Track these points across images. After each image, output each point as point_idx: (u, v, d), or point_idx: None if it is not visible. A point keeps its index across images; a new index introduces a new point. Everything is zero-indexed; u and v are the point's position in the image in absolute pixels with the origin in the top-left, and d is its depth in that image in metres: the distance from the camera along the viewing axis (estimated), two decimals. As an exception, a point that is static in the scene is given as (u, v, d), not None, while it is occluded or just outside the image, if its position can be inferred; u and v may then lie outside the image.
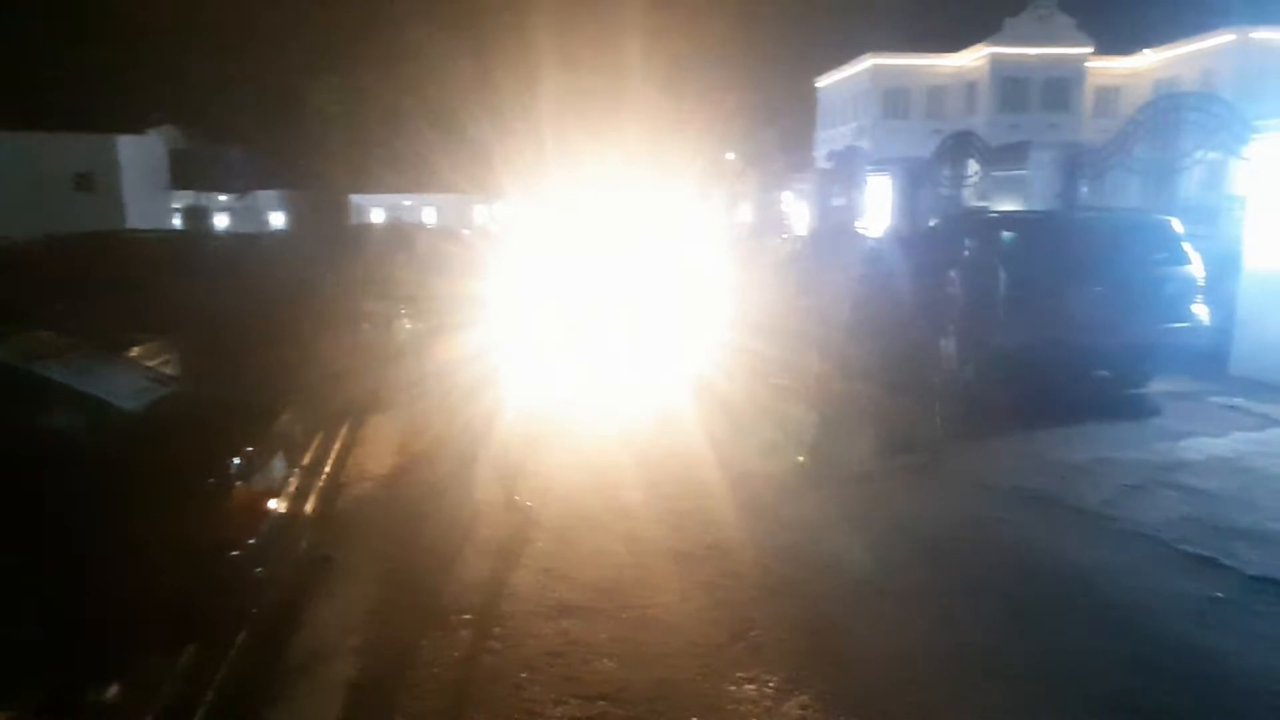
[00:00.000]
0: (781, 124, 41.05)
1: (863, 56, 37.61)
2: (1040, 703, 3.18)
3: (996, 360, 7.19)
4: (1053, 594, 4.06)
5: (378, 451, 6.33)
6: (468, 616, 3.84)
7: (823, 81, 43.06)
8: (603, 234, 11.56)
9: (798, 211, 22.03)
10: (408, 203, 39.78)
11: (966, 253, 8.00)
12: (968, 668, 3.40)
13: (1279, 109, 9.83)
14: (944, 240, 8.69)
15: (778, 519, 4.98)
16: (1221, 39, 30.03)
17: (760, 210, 22.64)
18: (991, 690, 3.25)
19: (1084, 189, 12.39)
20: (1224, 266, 8.14)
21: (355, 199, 26.58)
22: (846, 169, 18.63)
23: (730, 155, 32.15)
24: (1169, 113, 9.74)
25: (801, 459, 5.89)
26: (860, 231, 10.63)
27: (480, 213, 38.84)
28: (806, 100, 45.06)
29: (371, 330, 8.85)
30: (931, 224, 11.35)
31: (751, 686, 3.28)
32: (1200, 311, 7.54)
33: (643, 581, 4.18)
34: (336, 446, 6.27)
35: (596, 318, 9.14)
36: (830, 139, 39.18)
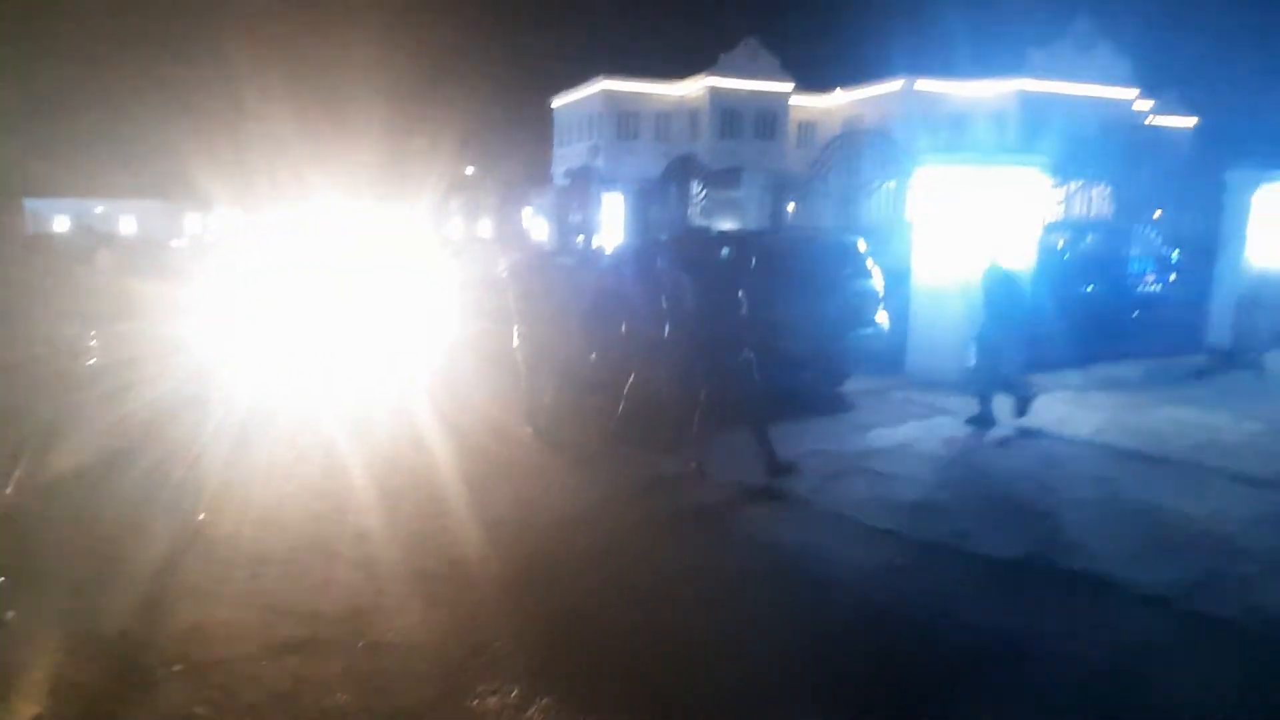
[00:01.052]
0: (521, 141, 41.52)
1: (595, 80, 39.09)
2: (731, 664, 3.53)
3: (718, 368, 7.79)
4: (763, 570, 4.51)
5: (56, 490, 5.51)
6: (178, 668, 3.47)
7: (558, 102, 44.14)
8: (328, 248, 10.99)
9: (538, 226, 22.37)
10: (99, 209, 35.03)
11: (691, 268, 8.60)
12: (689, 645, 3.68)
13: (936, 146, 11.72)
14: (671, 255, 9.28)
15: (523, 529, 5.04)
16: (893, 85, 34.97)
17: (499, 225, 22.69)
18: (696, 657, 3.59)
19: (790, 210, 13.85)
20: (898, 280, 9.46)
21: (32, 204, 22.87)
22: (582, 187, 19.26)
23: (470, 170, 31.90)
24: (852, 146, 11.25)
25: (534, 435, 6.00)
26: (566, 258, 11.03)
27: (194, 222, 35.17)
28: (545, 119, 45.95)
29: (50, 357, 7.68)
30: (653, 241, 12.06)
31: (494, 698, 3.29)
32: (882, 319, 8.72)
33: (379, 607, 4.03)
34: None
35: (315, 336, 8.69)
36: (566, 157, 40.25)
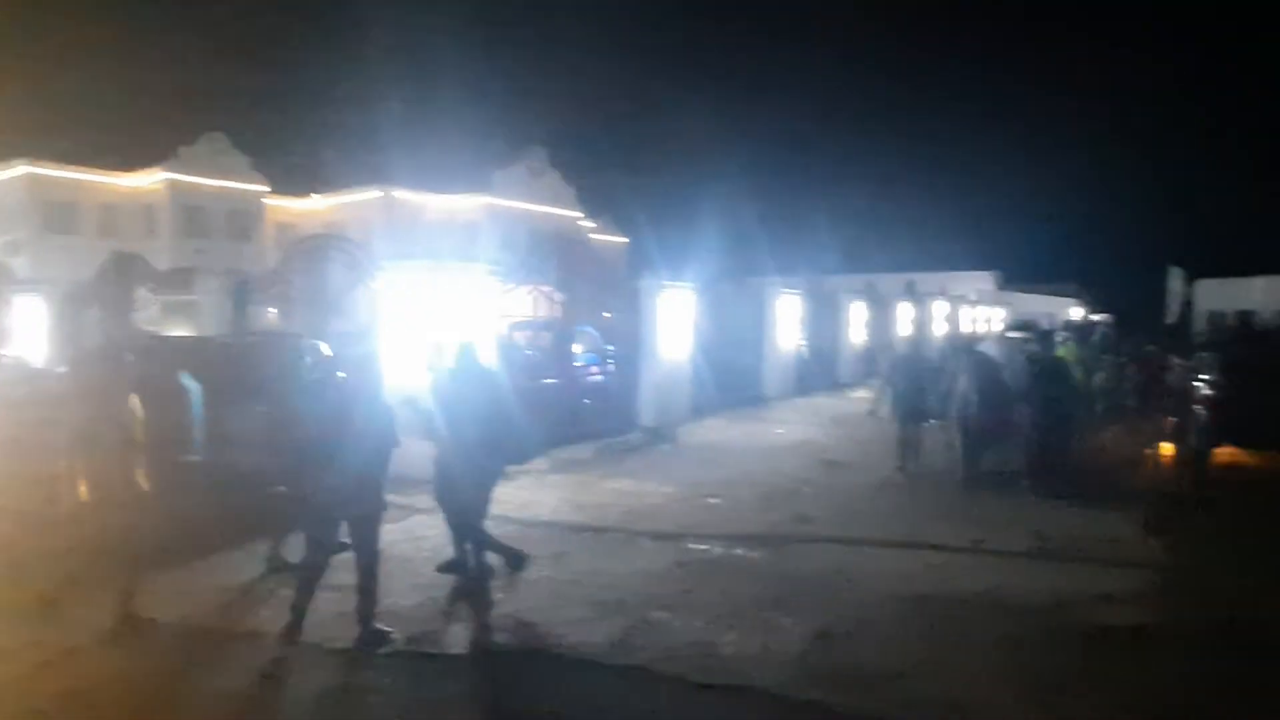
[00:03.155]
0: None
1: (14, 162, 32.59)
2: None
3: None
4: None
5: None
6: None
7: (-41, 185, 35.63)
8: None
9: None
10: None
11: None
12: None
13: (410, 251, 12.14)
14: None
15: None
16: (373, 194, 35.81)
17: None
18: None
19: (259, 313, 12.97)
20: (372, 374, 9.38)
21: None
22: (-14, 288, 15.53)
23: None
24: (316, 250, 11.08)
25: None
26: None
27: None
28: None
29: None
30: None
31: None
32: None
33: None
34: None
35: None
36: (-27, 252, 32.44)
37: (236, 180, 35.89)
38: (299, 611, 4.84)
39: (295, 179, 37.72)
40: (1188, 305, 38.81)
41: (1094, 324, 25.45)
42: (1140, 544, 6.83)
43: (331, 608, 5.07)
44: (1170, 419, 11.91)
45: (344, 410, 4.97)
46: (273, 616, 5.21)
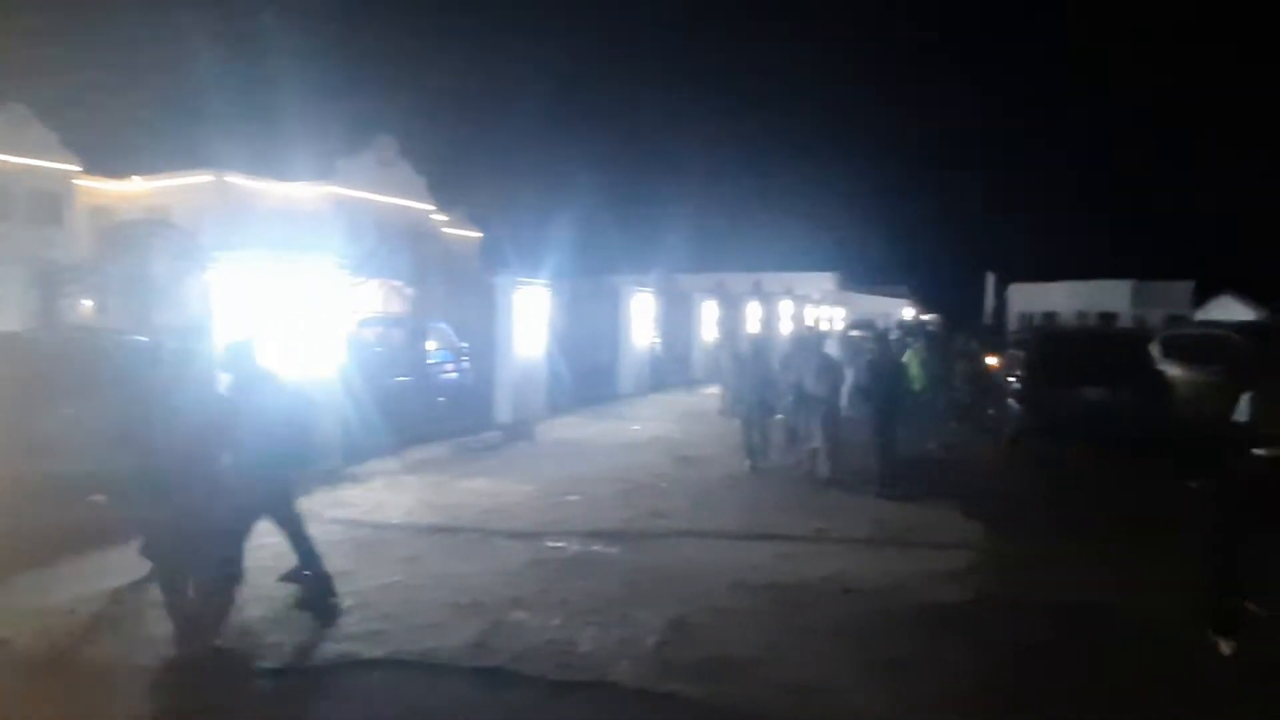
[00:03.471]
0: None
1: None
2: None
3: None
4: None
5: None
6: None
7: None
8: None
9: None
10: None
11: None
12: None
13: (246, 241, 11.33)
14: None
15: None
16: (204, 177, 33.29)
17: None
18: None
19: (71, 306, 11.75)
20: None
21: None
22: None
23: None
24: (137, 237, 10.15)
25: None
26: None
27: None
28: None
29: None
30: None
31: None
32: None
33: None
34: None
35: None
36: None
37: (42, 158, 32.42)
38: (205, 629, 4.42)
39: (112, 158, 34.45)
40: (1002, 306, 42.56)
41: (924, 323, 27.38)
42: (966, 528, 7.41)
43: (165, 624, 4.68)
44: (990, 412, 13.00)
45: (173, 412, 4.57)
46: (88, 639, 4.76)
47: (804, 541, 6.97)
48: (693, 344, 21.41)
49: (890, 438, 9.11)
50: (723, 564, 6.29)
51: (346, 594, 5.50)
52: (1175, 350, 12.18)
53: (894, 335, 13.72)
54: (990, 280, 38.94)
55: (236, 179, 33.34)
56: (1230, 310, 39.62)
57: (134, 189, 35.68)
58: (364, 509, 7.84)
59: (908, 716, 4.09)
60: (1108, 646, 4.83)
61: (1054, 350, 12.25)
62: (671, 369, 19.95)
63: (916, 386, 10.99)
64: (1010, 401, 11.77)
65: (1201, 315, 40.56)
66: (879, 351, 9.94)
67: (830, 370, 9.64)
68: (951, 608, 5.43)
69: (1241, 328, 13.59)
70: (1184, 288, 49.06)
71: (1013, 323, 44.52)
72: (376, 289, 13.52)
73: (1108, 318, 46.50)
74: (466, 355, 14.13)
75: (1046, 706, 4.18)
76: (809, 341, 10.73)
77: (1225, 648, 4.63)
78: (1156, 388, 11.05)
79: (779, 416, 10.17)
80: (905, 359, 11.14)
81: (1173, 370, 11.72)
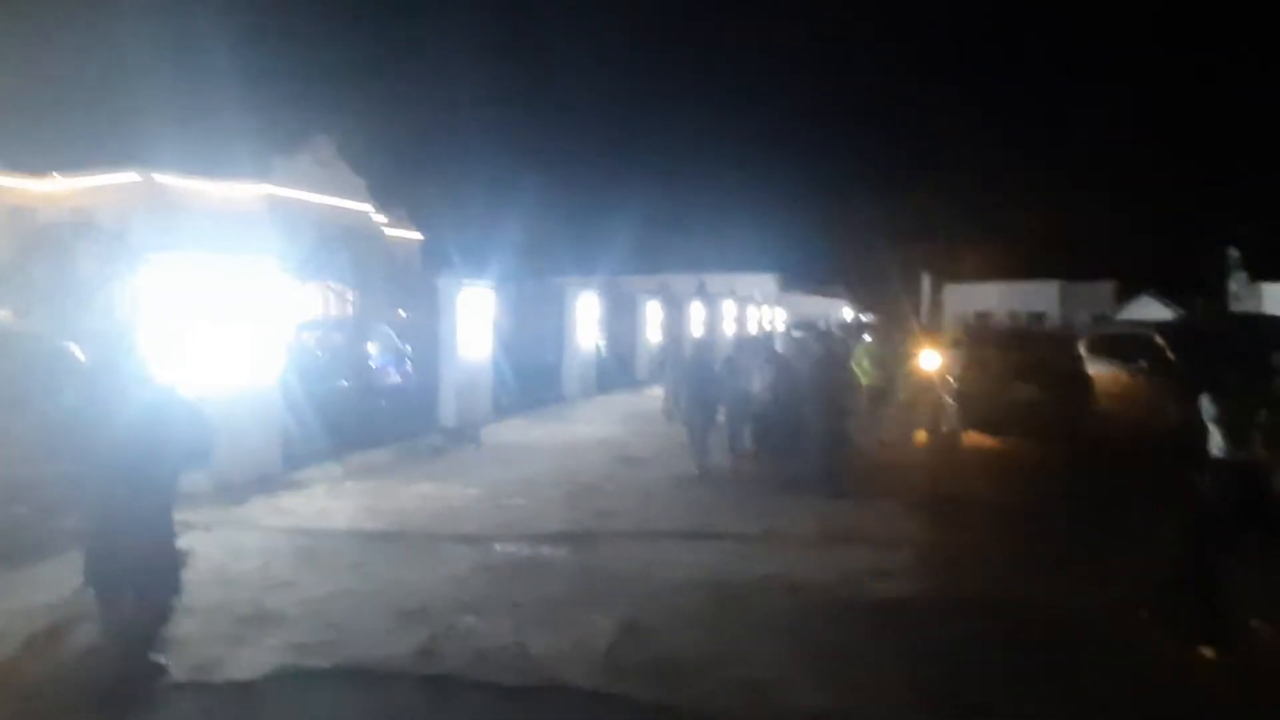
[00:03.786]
0: None
1: None
2: None
3: None
4: None
5: None
6: None
7: None
8: None
9: None
10: None
11: None
12: None
13: (177, 242, 10.97)
14: None
15: None
16: (131, 176, 32.11)
17: None
18: None
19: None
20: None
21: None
22: None
23: None
24: (60, 239, 9.75)
25: None
26: None
27: None
28: None
29: None
30: None
31: None
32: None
33: None
34: None
35: None
36: None
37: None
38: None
39: (31, 155, 32.94)
40: (938, 306, 43.73)
41: (864, 324, 27.97)
42: (907, 525, 7.60)
43: (102, 639, 4.51)
44: (928, 410, 13.33)
45: (101, 420, 4.39)
46: (21, 657, 4.57)
47: (751, 541, 7.06)
48: (637, 345, 21.48)
49: (839, 437, 9.25)
50: (672, 564, 6.34)
51: (291, 604, 5.38)
52: (1101, 348, 12.68)
53: (837, 335, 14.02)
54: (926, 281, 39.97)
55: (166, 178, 32.25)
56: (1150, 309, 41.37)
57: (55, 188, 34.23)
58: (305, 516, 7.68)
59: (856, 709, 4.18)
60: (1044, 641, 5.02)
61: (987, 349, 12.64)
62: (616, 370, 19.98)
63: (865, 382, 11.25)
64: (947, 399, 12.11)
65: (1124, 315, 42.25)
66: (825, 350, 10.13)
67: (780, 373, 9.77)
68: (894, 602, 5.57)
69: (1161, 327, 14.22)
70: (1107, 288, 51.05)
71: (948, 322, 45.73)
72: (316, 292, 13.27)
73: (1037, 317, 48.12)
74: (409, 358, 13.95)
75: (985, 696, 4.32)
76: (756, 343, 10.88)
77: (1208, 653, 4.67)
78: (1083, 385, 11.50)
79: (720, 420, 10.23)
80: (854, 357, 11.40)
81: (1099, 367, 12.21)
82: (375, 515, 7.77)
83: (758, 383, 9.48)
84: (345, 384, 12.78)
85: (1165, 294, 45.30)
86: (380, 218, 40.01)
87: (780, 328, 29.97)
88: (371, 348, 13.32)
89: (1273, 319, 13.52)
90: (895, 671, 4.55)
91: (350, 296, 14.07)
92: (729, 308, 27.65)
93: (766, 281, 43.80)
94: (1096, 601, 5.54)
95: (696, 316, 24.65)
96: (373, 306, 13.90)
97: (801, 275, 50.90)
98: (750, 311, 29.86)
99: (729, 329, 25.78)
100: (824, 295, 50.05)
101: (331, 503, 8.25)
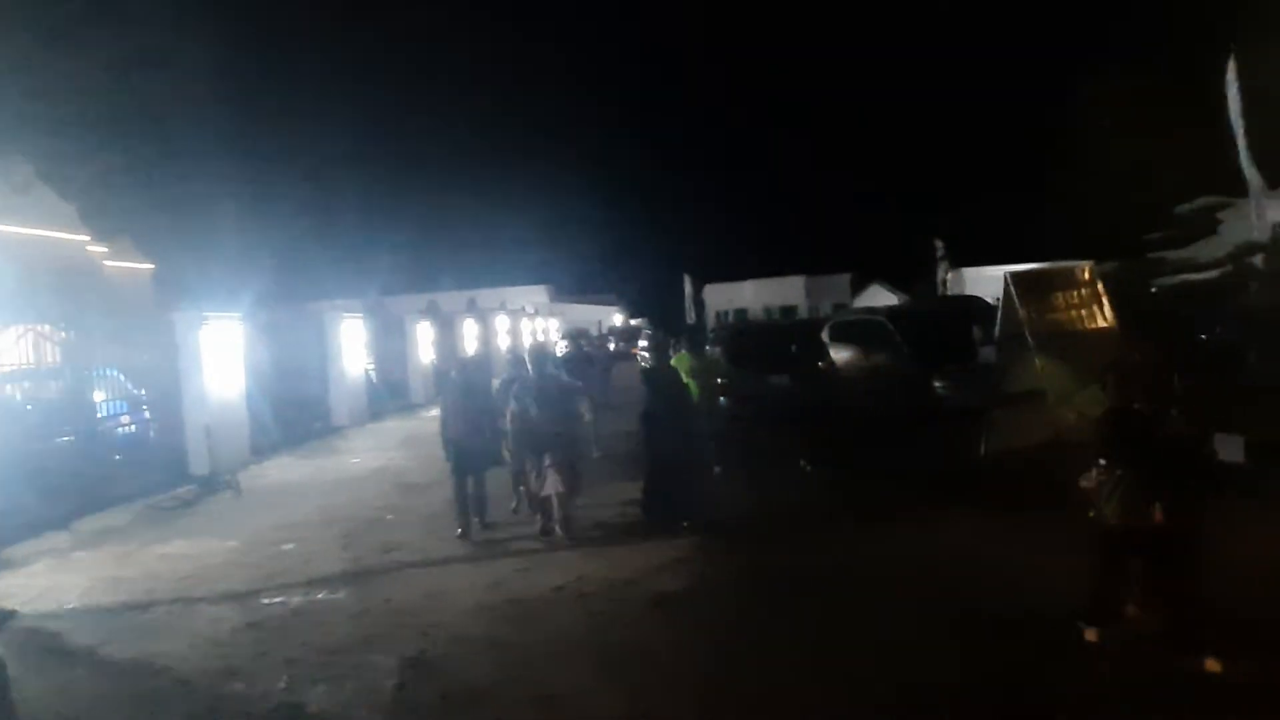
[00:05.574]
0: None
1: None
2: None
3: None
4: None
5: None
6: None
7: None
8: None
9: None
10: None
11: None
12: None
13: None
14: None
15: None
16: None
17: None
18: None
19: None
20: None
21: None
22: None
23: None
24: None
25: None
26: None
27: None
28: None
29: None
30: None
31: None
32: None
33: None
34: None
35: None
36: None
37: None
38: None
39: None
40: (701, 306, 46.15)
41: (636, 328, 28.85)
42: (693, 523, 7.87)
43: None
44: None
45: None
46: None
47: (542, 552, 7.05)
48: (409, 368, 20.74)
49: (668, 460, 7.74)
50: (461, 587, 6.18)
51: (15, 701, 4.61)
52: (840, 335, 13.95)
53: (662, 346, 10.66)
54: (688, 282, 42.04)
55: None
56: (880, 297, 46.36)
57: None
58: (23, 599, 6.62)
59: (650, 710, 4.27)
60: (815, 616, 5.45)
61: (745, 344, 13.52)
62: (388, 395, 19.19)
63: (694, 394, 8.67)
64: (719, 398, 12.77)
65: (858, 303, 46.95)
66: (655, 362, 8.82)
67: (562, 394, 7.88)
68: (674, 596, 5.78)
69: (892, 311, 15.86)
70: (844, 280, 56.52)
71: (711, 321, 48.46)
72: (18, 336, 11.52)
73: (789, 310, 52.28)
74: (144, 403, 12.49)
75: (770, 678, 4.60)
76: (532, 359, 8.16)
77: (1090, 635, 4.42)
78: (826, 372, 12.59)
79: (500, 462, 8.08)
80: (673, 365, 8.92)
81: (839, 353, 13.42)
82: (115, 586, 6.87)
83: (535, 410, 7.55)
84: (67, 439, 11.18)
85: (891, 282, 50.99)
86: (98, 248, 35.46)
87: (553, 337, 30.19)
88: (98, 395, 11.75)
89: (972, 299, 15.57)
90: (679, 660, 4.72)
91: (64, 338, 12.36)
92: (501, 322, 27.47)
93: (537, 293, 44.01)
94: (875, 575, 6.09)
95: (470, 334, 24.25)
96: (93, 348, 12.26)
97: (572, 284, 51.70)
98: (524, 324, 29.85)
99: (504, 344, 25.59)
100: (595, 303, 51.13)
101: (58, 578, 7.18)
